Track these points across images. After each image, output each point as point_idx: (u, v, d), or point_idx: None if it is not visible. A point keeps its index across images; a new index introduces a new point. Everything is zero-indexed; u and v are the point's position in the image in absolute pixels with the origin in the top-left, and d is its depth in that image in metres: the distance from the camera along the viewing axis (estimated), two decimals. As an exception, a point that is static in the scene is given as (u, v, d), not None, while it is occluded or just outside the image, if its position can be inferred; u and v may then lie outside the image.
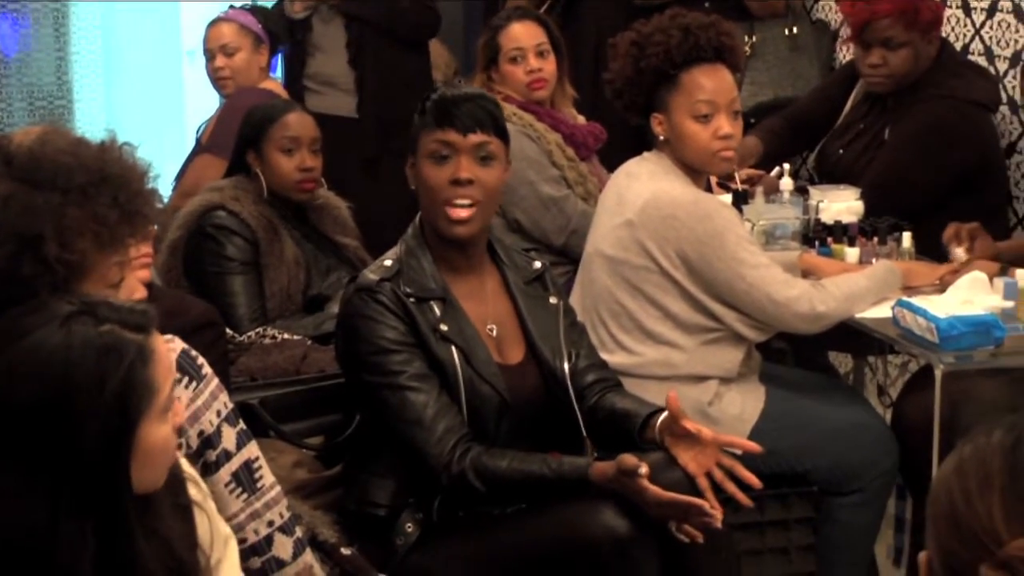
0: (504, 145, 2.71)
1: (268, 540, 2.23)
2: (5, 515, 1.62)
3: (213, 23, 4.52)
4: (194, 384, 2.14)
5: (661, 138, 3.10)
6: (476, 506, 2.60)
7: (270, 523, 2.23)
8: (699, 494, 2.52)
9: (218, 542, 1.93)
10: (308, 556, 2.29)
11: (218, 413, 2.20)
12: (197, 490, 1.93)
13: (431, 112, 2.66)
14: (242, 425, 2.25)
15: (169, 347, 2.10)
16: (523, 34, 3.98)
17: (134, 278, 1.98)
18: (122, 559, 1.65)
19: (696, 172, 3.13)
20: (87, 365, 1.64)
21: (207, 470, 2.19)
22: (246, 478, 2.23)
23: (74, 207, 1.86)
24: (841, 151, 4.00)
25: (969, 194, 3.75)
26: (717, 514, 2.48)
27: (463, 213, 2.64)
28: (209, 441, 2.19)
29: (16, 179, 1.87)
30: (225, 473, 2.21)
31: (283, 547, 2.25)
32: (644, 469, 2.45)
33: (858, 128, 3.98)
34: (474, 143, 2.65)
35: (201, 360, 2.18)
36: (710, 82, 3.07)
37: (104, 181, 1.90)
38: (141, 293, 2.00)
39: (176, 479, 1.83)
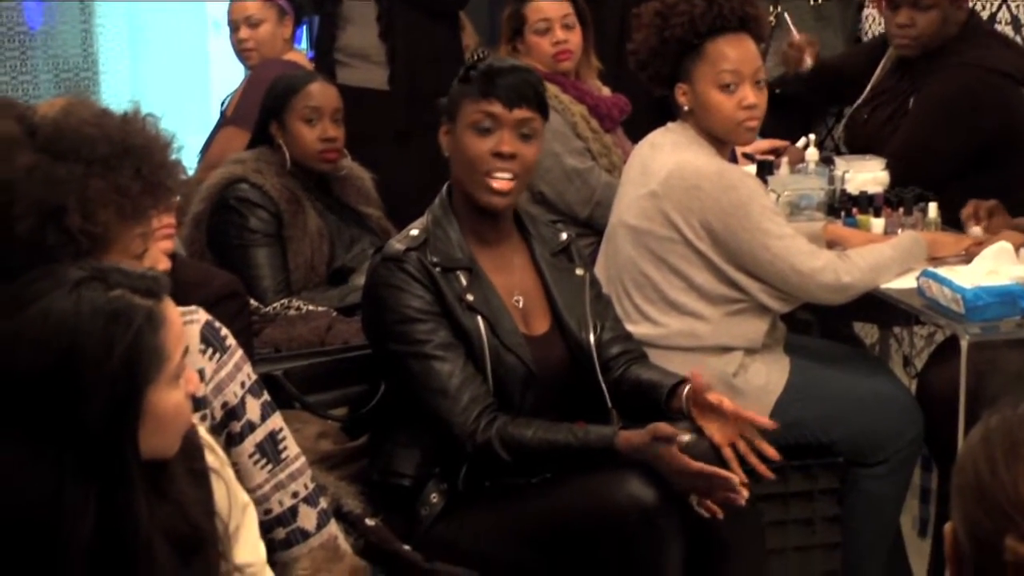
0: (544, 122, 2.71)
1: (293, 511, 2.23)
2: (10, 482, 1.62)
3: None
4: (218, 356, 2.15)
5: (686, 108, 3.09)
6: (501, 476, 2.60)
7: (295, 494, 2.24)
8: (724, 465, 2.52)
9: (236, 509, 1.93)
10: (333, 527, 2.30)
11: (242, 384, 2.20)
12: (215, 457, 1.93)
13: (477, 81, 2.66)
14: (266, 396, 2.25)
15: (193, 318, 2.11)
16: (549, 6, 3.96)
17: (157, 249, 1.99)
18: (123, 526, 1.65)
19: (720, 142, 3.12)
20: (95, 331, 1.64)
21: (231, 441, 2.19)
22: (270, 449, 2.23)
23: (97, 178, 1.87)
24: (866, 117, 3.98)
25: (992, 167, 3.73)
26: (744, 491, 2.47)
27: (504, 185, 2.64)
28: (233, 412, 2.19)
29: (40, 150, 1.87)
30: (249, 444, 2.21)
31: (307, 518, 2.26)
32: (686, 437, 2.45)
33: (884, 97, 3.97)
34: (518, 118, 2.65)
35: (225, 332, 2.19)
36: (734, 51, 3.05)
37: (127, 152, 1.90)
38: (165, 264, 2.00)
39: (192, 445, 1.83)
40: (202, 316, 2.15)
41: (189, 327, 2.11)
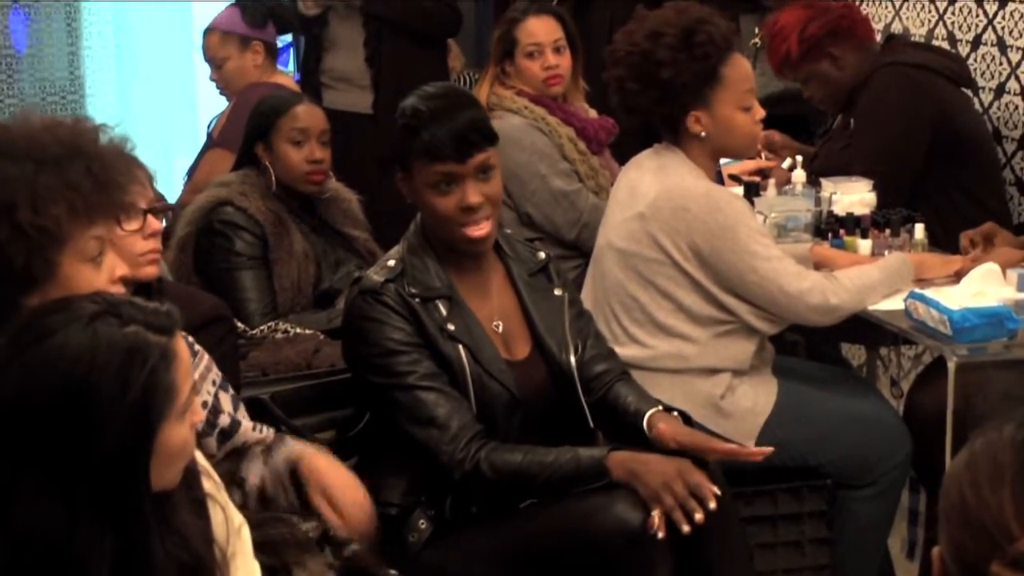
0: (496, 149, 2.65)
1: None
2: (23, 516, 1.61)
3: (204, 33, 4.53)
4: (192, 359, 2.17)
5: (702, 135, 3.05)
6: (489, 503, 2.59)
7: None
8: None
9: (232, 534, 1.93)
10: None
11: (213, 382, 2.27)
12: (211, 483, 1.93)
13: (420, 141, 2.58)
14: (231, 391, 2.35)
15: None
16: (541, 29, 3.96)
17: (115, 257, 1.99)
18: (139, 562, 1.65)
19: (712, 164, 3.12)
20: (111, 367, 1.63)
21: (224, 436, 2.29)
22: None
23: (47, 175, 1.87)
24: (819, 152, 4.03)
25: (958, 170, 3.76)
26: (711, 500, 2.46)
27: (482, 231, 2.61)
28: (215, 409, 2.26)
29: None
30: (244, 432, 2.34)
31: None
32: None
33: (834, 132, 4.03)
34: (474, 166, 2.59)
35: (191, 338, 2.22)
36: (745, 70, 3.08)
37: (77, 152, 1.92)
38: (122, 269, 2.00)
39: (191, 473, 1.83)
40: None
41: None
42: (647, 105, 3.06)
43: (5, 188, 1.85)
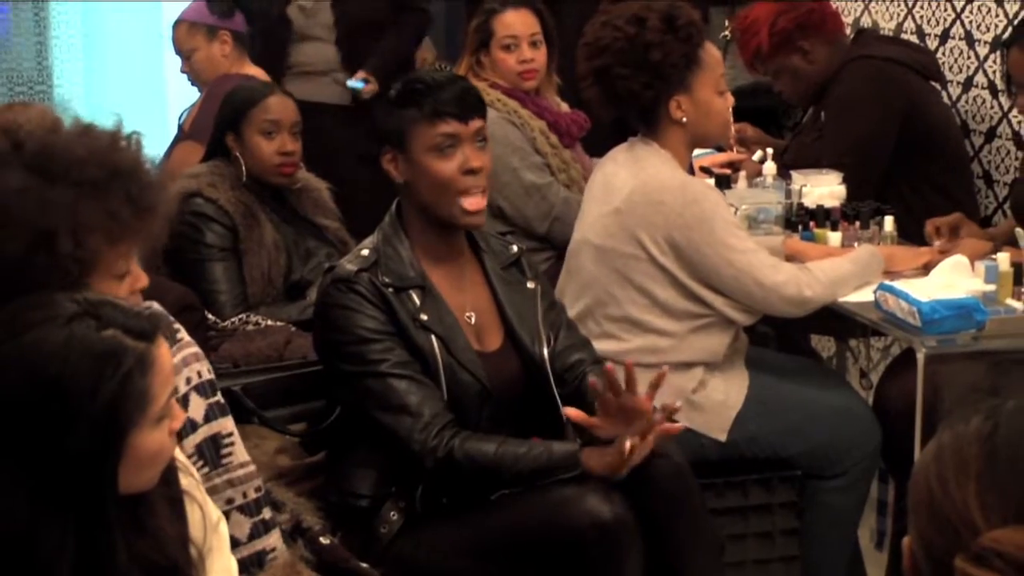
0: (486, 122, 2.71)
1: (223, 516, 2.22)
2: None
3: (172, 25, 4.52)
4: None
5: (683, 120, 3.06)
6: (460, 493, 2.59)
7: (229, 500, 2.22)
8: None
9: (209, 530, 1.92)
10: (272, 540, 2.28)
11: (187, 380, 2.18)
12: (188, 479, 1.91)
13: (423, 104, 2.61)
14: (218, 399, 2.23)
15: (147, 308, 2.09)
16: (518, 22, 3.94)
17: (138, 269, 1.95)
18: (101, 565, 1.64)
19: (688, 154, 3.14)
20: (82, 370, 1.62)
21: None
22: (210, 452, 2.21)
23: (88, 201, 1.82)
24: (789, 145, 4.05)
25: (928, 163, 3.78)
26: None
27: (479, 203, 2.63)
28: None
29: (28, 169, 1.82)
30: (189, 444, 2.19)
31: (238, 526, 2.23)
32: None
33: (804, 126, 4.05)
34: (474, 129, 2.64)
35: (178, 326, 2.17)
36: (718, 55, 3.12)
37: (116, 175, 1.86)
38: (144, 282, 1.96)
39: (169, 470, 1.81)
40: (156, 308, 2.13)
41: None
42: (636, 90, 3.05)
43: (45, 214, 1.79)
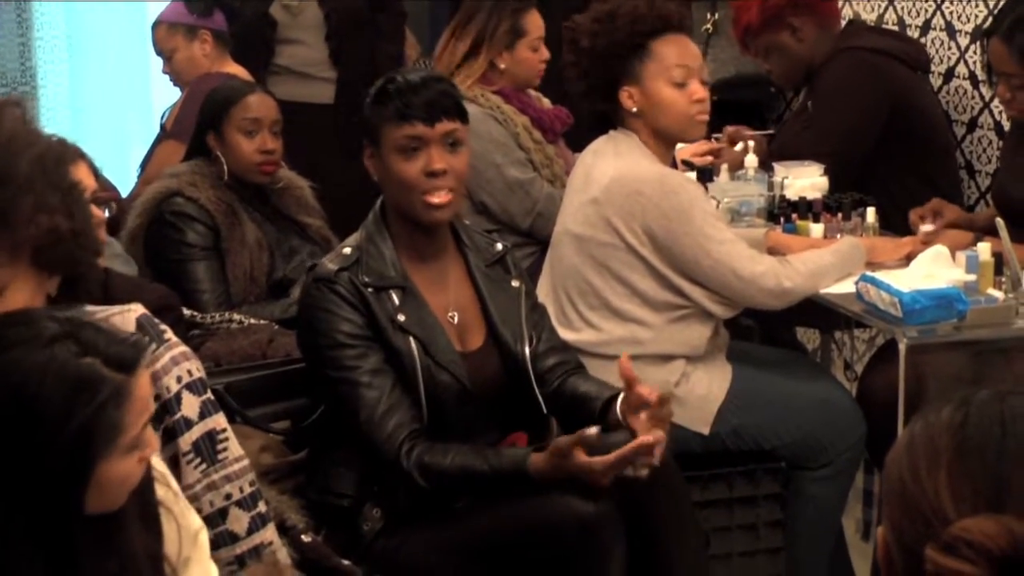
0: (466, 127, 2.69)
1: (222, 513, 2.21)
2: None
3: (152, 26, 4.51)
4: (153, 346, 2.09)
5: (634, 111, 3.08)
6: (432, 499, 2.58)
7: (227, 496, 2.22)
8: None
9: (186, 541, 1.91)
10: (268, 534, 2.28)
11: (178, 379, 2.17)
12: (165, 490, 1.90)
13: (392, 105, 2.62)
14: (209, 395, 2.22)
15: (130, 308, 2.09)
16: (540, 22, 3.96)
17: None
18: None
19: (664, 148, 3.13)
20: (57, 395, 1.61)
21: (168, 435, 2.16)
22: (207, 449, 2.20)
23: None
24: (775, 135, 4.06)
25: (913, 154, 3.79)
26: (653, 438, 2.41)
27: (442, 198, 2.62)
28: (167, 406, 2.16)
29: None
30: (184, 442, 2.18)
31: (238, 521, 2.23)
32: (592, 430, 2.41)
33: (791, 115, 4.06)
34: (441, 132, 2.62)
35: (165, 327, 2.17)
36: (681, 49, 3.10)
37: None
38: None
39: (145, 482, 1.80)
40: (140, 309, 2.13)
41: (125, 316, 2.09)
42: (576, 76, 3.14)
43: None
